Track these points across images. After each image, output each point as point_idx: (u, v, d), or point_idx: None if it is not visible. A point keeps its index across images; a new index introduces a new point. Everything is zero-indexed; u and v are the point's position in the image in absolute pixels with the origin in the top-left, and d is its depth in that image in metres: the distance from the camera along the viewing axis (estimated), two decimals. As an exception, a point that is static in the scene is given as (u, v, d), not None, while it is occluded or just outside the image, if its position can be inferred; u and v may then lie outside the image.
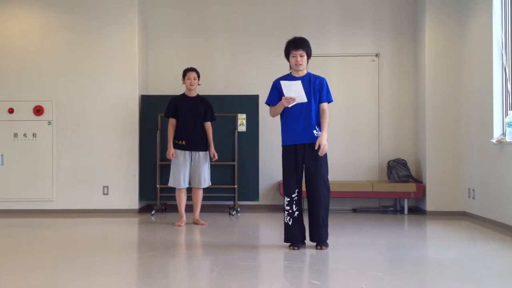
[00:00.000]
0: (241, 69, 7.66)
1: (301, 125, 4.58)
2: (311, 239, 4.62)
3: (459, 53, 6.95)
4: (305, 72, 4.69)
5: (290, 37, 7.49)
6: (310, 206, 4.60)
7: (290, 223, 4.57)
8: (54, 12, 7.24)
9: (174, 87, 7.42)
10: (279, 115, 4.77)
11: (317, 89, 4.63)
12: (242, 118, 7.18)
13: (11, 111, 7.10)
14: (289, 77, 4.67)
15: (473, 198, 6.55)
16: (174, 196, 6.09)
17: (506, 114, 5.84)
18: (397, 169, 7.17)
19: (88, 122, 7.15)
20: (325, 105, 4.67)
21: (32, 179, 7.09)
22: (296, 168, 4.60)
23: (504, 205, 5.72)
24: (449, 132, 6.97)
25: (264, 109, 7.28)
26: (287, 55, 4.68)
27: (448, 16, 6.98)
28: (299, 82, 4.50)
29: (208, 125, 6.09)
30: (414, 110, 7.53)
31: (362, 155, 7.55)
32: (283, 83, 4.53)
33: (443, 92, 6.98)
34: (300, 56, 4.60)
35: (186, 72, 6.08)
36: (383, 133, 7.59)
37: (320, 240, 4.58)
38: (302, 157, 4.59)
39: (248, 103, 7.16)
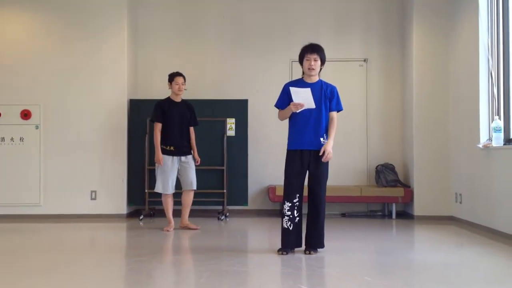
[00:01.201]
0: (230, 73, 7.67)
1: (310, 131, 4.57)
2: (307, 243, 4.63)
3: (446, 59, 7.02)
4: (317, 78, 4.68)
5: (280, 41, 7.67)
6: (312, 212, 4.61)
7: (290, 229, 4.56)
8: (42, 16, 7.19)
9: (163, 91, 7.38)
10: (287, 119, 4.75)
11: (328, 97, 4.63)
12: (231, 123, 7.18)
13: (-2, 115, 7.05)
14: (300, 82, 4.68)
15: (460, 202, 6.61)
16: (162, 202, 6.06)
17: (493, 119, 5.90)
18: (385, 174, 7.22)
19: (76, 127, 7.11)
20: (334, 113, 4.69)
21: (19, 184, 7.02)
22: (299, 173, 4.59)
23: (490, 209, 5.78)
24: (436, 137, 7.03)
25: (252, 114, 7.32)
26: (301, 59, 4.66)
27: (435, 22, 7.05)
28: (308, 90, 4.49)
29: (192, 130, 6.10)
30: (401, 115, 7.59)
31: (350, 159, 7.58)
32: (292, 89, 4.51)
33: (430, 97, 7.05)
34: (314, 60, 4.58)
35: (173, 76, 6.05)
36: (371, 137, 7.63)
37: (317, 245, 4.61)
38: (307, 163, 4.58)
39: (237, 108, 7.17)
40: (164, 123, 5.96)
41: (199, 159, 6.10)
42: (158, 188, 5.96)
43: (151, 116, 6.07)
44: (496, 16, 5.96)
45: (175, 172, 5.96)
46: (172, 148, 5.93)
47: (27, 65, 7.14)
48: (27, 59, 7.15)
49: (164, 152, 5.93)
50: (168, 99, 6.08)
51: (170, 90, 6.09)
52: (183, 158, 5.98)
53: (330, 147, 4.58)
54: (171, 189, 5.94)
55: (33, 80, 7.12)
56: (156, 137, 5.96)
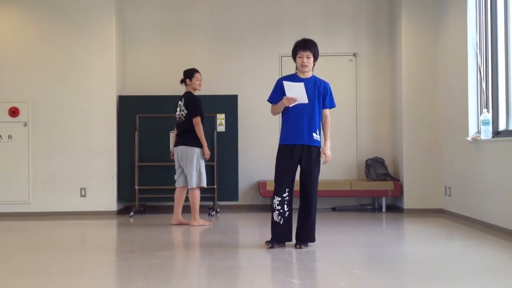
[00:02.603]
0: (220, 69, 7.64)
1: (303, 126, 4.56)
2: (297, 238, 4.64)
3: (435, 53, 7.05)
4: (310, 74, 4.68)
5: (270, 36, 7.66)
6: (304, 207, 4.62)
7: (281, 223, 4.56)
8: (30, 13, 7.13)
9: (152, 87, 7.39)
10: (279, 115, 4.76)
11: (321, 93, 4.64)
12: (221, 118, 7.17)
13: (-15, 112, 6.99)
14: (294, 77, 4.67)
15: (449, 195, 6.66)
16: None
17: (481, 113, 5.94)
18: (375, 168, 7.24)
19: (65, 123, 7.06)
20: (327, 111, 4.71)
21: (7, 182, 6.97)
22: (290, 168, 4.59)
23: (479, 202, 5.82)
24: (425, 130, 7.06)
25: (242, 109, 7.31)
26: (294, 55, 4.66)
27: (424, 16, 7.07)
28: (301, 84, 4.49)
29: None
30: (391, 109, 7.62)
31: (340, 154, 7.57)
32: (286, 83, 4.52)
33: (420, 91, 7.07)
34: (306, 57, 4.59)
35: (193, 73, 6.03)
36: (361, 132, 7.65)
37: (308, 239, 4.62)
38: (299, 158, 4.58)
39: (227, 103, 7.16)
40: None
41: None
42: (204, 182, 5.92)
43: (199, 111, 5.88)
44: (484, 11, 5.99)
45: None
46: None
47: (14, 62, 7.08)
48: (14, 56, 7.08)
49: (201, 146, 5.90)
50: (193, 94, 6.00)
51: (188, 86, 6.02)
52: None
53: (329, 149, 4.62)
54: None
55: (21, 77, 7.06)
56: (202, 131, 5.85)
